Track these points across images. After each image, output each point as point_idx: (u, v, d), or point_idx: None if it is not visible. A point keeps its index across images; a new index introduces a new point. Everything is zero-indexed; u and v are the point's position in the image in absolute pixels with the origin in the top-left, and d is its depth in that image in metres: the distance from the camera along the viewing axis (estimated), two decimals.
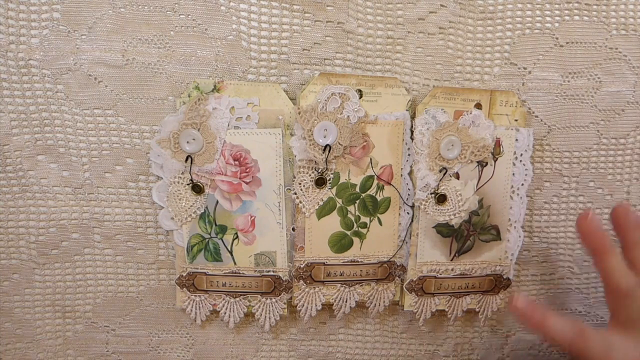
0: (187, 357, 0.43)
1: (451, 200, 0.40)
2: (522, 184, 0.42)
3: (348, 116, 0.38)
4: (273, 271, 0.40)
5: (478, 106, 0.40)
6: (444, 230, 0.41)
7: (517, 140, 0.41)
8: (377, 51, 0.40)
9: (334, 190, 0.39)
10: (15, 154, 0.38)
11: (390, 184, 0.40)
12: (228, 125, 0.38)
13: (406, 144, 0.40)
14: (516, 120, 0.41)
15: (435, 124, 0.40)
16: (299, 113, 0.38)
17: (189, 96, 0.38)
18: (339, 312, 0.42)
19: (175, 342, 0.43)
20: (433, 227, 0.41)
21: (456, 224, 0.41)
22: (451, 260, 0.42)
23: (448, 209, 0.40)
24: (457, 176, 0.40)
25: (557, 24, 0.41)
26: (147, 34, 0.37)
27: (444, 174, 0.40)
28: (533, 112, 0.42)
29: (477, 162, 0.40)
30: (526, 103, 0.41)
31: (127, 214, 0.40)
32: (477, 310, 0.43)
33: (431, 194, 0.40)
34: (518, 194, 0.42)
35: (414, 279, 0.42)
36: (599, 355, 0.33)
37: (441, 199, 0.40)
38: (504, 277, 0.43)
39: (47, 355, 0.42)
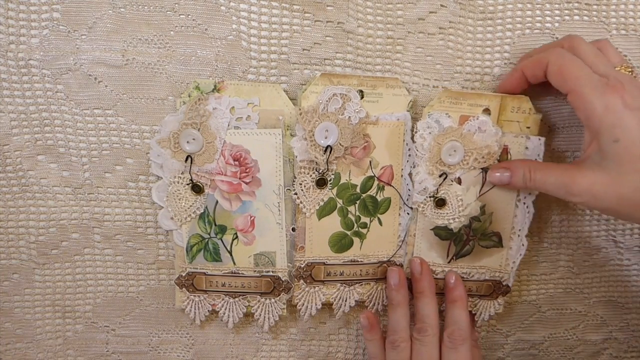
0: (187, 357, 0.43)
1: (451, 204, 0.40)
2: (530, 193, 0.40)
3: (349, 117, 0.38)
4: (272, 271, 0.40)
5: (486, 111, 0.39)
6: (442, 232, 0.41)
7: (527, 148, 0.40)
8: (377, 51, 0.40)
9: (334, 190, 0.39)
10: (15, 154, 0.38)
11: (390, 184, 0.40)
12: (228, 125, 0.38)
13: (407, 144, 0.40)
14: (528, 128, 0.40)
15: (438, 128, 0.39)
16: (301, 114, 0.37)
17: (189, 96, 0.37)
18: (339, 311, 0.42)
19: (175, 342, 0.43)
20: (431, 229, 0.41)
21: (455, 228, 0.41)
22: (448, 262, 0.42)
23: (447, 213, 0.40)
24: (459, 181, 0.40)
25: (557, 24, 0.41)
26: (147, 34, 0.37)
27: (444, 179, 0.39)
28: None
29: (482, 168, 0.40)
30: None
31: (127, 214, 0.40)
32: (474, 313, 0.43)
33: (430, 197, 0.40)
34: (524, 203, 0.41)
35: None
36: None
37: (440, 202, 0.40)
38: (504, 283, 0.42)
39: (47, 355, 0.42)
